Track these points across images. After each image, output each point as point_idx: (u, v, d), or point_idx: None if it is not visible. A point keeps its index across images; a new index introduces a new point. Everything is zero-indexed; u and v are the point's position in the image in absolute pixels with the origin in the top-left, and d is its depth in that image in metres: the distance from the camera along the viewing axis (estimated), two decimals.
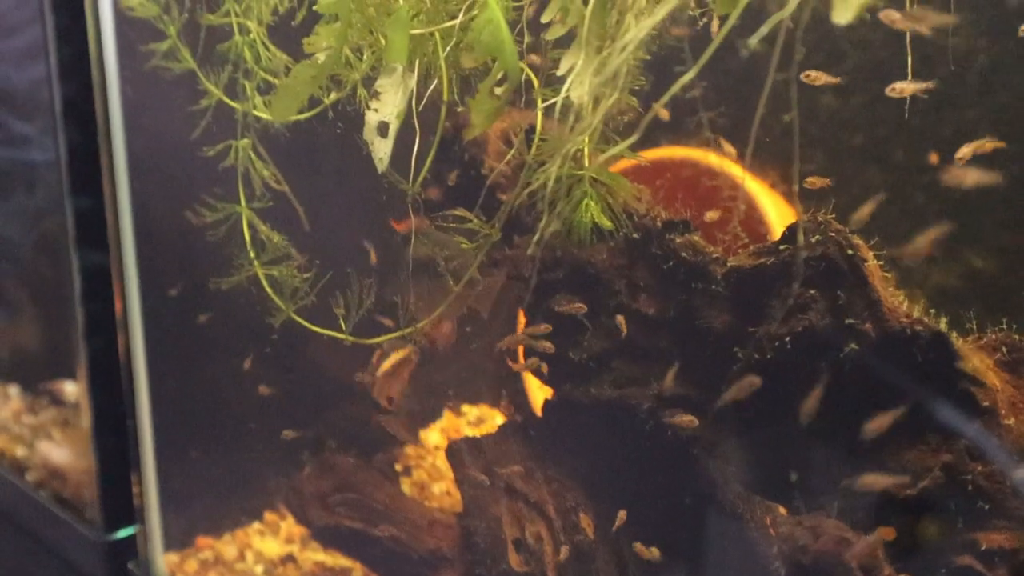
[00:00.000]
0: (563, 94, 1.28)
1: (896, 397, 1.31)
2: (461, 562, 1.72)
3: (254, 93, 1.69)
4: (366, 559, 1.85)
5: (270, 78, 1.69)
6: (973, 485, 1.27)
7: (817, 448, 1.38)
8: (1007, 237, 1.66)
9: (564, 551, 1.60)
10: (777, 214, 1.82)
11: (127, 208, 1.97)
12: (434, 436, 2.25)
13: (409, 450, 2.19)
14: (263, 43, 1.69)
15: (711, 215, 1.50)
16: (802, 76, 1.30)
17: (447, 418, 2.30)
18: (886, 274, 1.37)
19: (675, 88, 1.15)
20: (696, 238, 1.52)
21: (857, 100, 1.75)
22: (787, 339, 1.38)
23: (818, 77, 1.34)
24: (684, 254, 1.51)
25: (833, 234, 1.35)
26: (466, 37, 1.35)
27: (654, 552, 1.57)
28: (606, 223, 1.40)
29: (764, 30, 1.05)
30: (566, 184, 1.35)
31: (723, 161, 1.65)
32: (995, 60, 1.62)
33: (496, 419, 2.15)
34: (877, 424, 1.25)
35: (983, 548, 1.25)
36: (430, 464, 2.17)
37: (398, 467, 2.13)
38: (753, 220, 1.84)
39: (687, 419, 1.43)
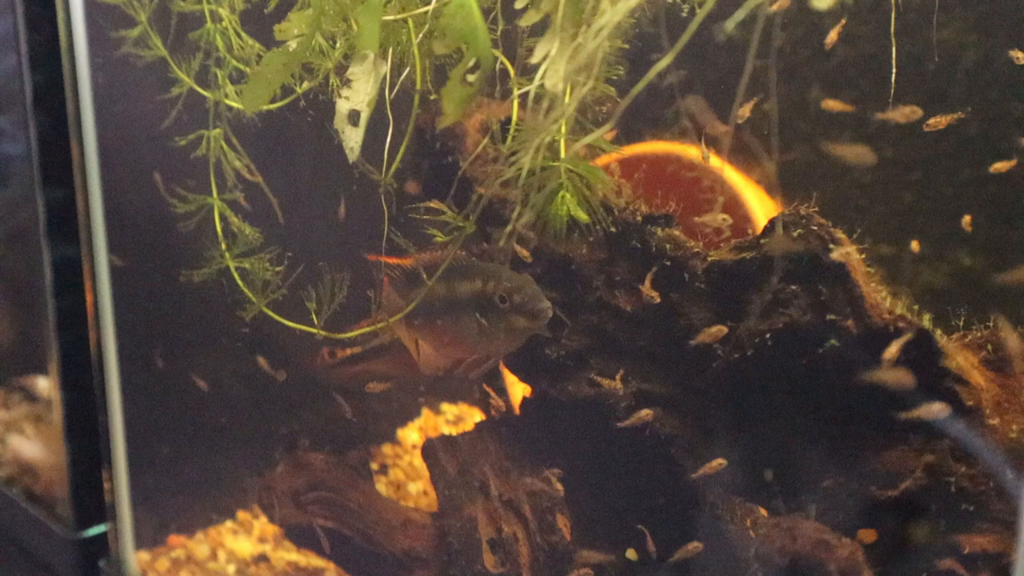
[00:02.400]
0: (537, 82, 1.24)
1: (877, 395, 1.28)
2: (435, 562, 1.69)
3: (226, 81, 1.65)
4: (339, 559, 1.81)
5: (242, 67, 1.65)
6: (956, 487, 1.24)
7: (797, 447, 1.35)
8: (995, 234, 1.63)
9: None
10: (762, 208, 1.79)
11: (98, 200, 1.92)
12: (412, 435, 2.21)
13: (386, 448, 2.15)
14: (235, 31, 1.65)
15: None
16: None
17: (425, 416, 2.26)
18: (869, 269, 1.34)
19: (651, 74, 1.11)
20: (677, 232, 1.49)
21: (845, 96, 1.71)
22: (768, 335, 1.35)
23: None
24: (665, 248, 1.48)
25: (815, 228, 1.32)
26: (438, 23, 1.31)
27: (632, 553, 1.54)
28: (582, 216, 1.37)
29: (740, 14, 1.01)
30: (540, 175, 1.31)
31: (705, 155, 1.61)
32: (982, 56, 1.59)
33: (475, 417, 2.11)
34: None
35: (966, 551, 1.22)
36: (407, 463, 2.13)
37: (374, 465, 2.09)
38: (737, 215, 1.80)
39: (715, 329, 1.38)
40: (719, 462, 1.37)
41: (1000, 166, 1.43)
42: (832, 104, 1.39)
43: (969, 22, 1.55)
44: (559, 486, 1.54)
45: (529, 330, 1.42)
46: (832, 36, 1.41)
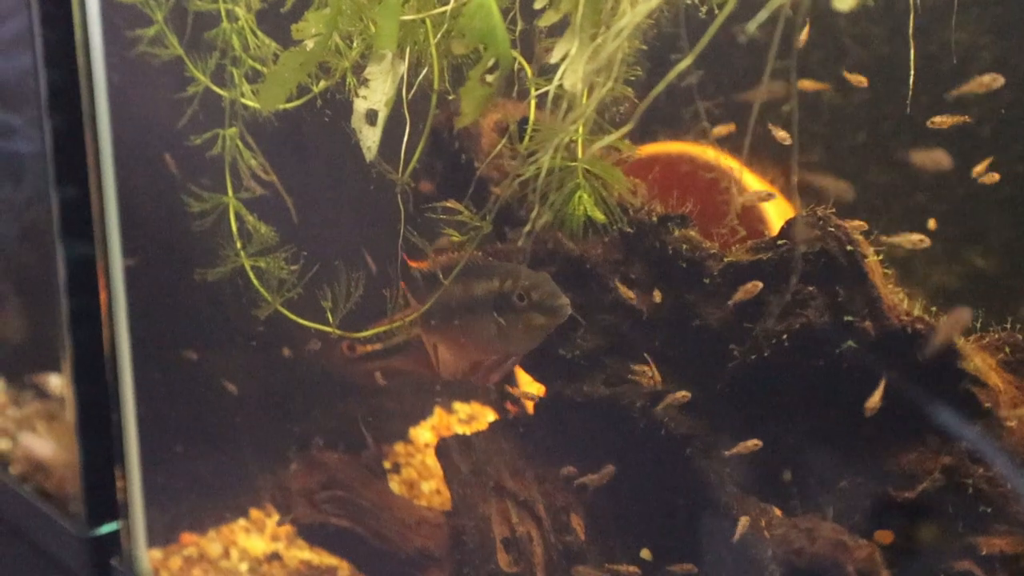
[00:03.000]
0: (556, 82, 1.24)
1: (895, 397, 1.28)
2: (449, 562, 1.69)
3: (242, 81, 1.65)
4: (352, 558, 1.82)
5: (258, 66, 1.65)
6: (974, 488, 1.24)
7: (814, 448, 1.35)
8: (1012, 236, 1.63)
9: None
10: (777, 210, 1.79)
11: (112, 198, 1.93)
12: (425, 434, 2.21)
13: (399, 447, 2.15)
14: (251, 30, 1.65)
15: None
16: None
17: (438, 415, 2.26)
18: (887, 271, 1.33)
19: (671, 75, 1.11)
20: (693, 233, 1.49)
21: (860, 96, 1.71)
22: (784, 336, 1.35)
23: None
24: (680, 249, 1.48)
25: (832, 229, 1.32)
26: (457, 23, 1.31)
27: (647, 554, 1.54)
28: (599, 216, 1.37)
29: (763, 15, 1.01)
30: (558, 175, 1.31)
31: (721, 156, 1.61)
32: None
33: (488, 416, 2.11)
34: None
35: (983, 553, 1.22)
36: (420, 462, 2.13)
37: (387, 464, 2.09)
38: (752, 216, 1.80)
39: (751, 285, 1.36)
40: (755, 443, 1.35)
41: (979, 169, 1.42)
42: (807, 84, 1.39)
43: (985, 23, 1.55)
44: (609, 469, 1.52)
45: (548, 328, 1.41)
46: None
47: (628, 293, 1.45)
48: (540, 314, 1.38)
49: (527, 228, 1.27)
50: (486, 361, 1.53)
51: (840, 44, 1.68)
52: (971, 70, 1.59)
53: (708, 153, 1.62)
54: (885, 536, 1.28)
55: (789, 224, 1.36)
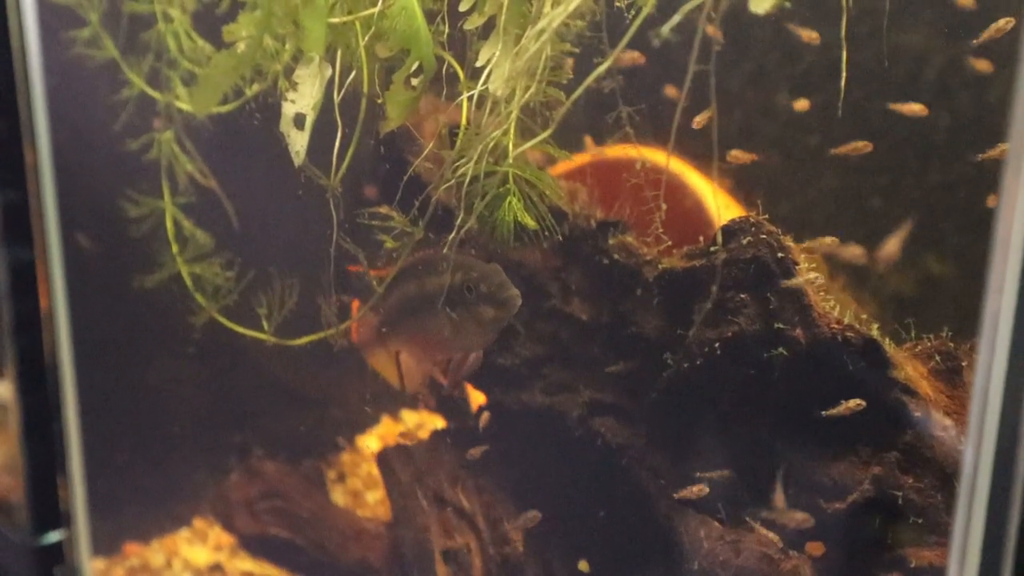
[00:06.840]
0: (480, 86, 1.22)
1: (826, 406, 1.26)
2: (388, 573, 1.67)
3: (177, 83, 1.63)
4: (293, 568, 1.79)
5: (194, 68, 1.63)
6: (904, 499, 1.22)
7: (746, 458, 1.33)
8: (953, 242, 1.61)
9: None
10: (728, 214, 1.76)
11: (52, 202, 1.90)
12: (372, 442, 2.18)
13: (345, 457, 2.12)
14: (187, 32, 1.62)
15: None
16: None
17: (385, 424, 2.22)
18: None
19: (591, 79, 1.10)
20: (630, 239, 1.47)
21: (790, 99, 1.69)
22: (717, 345, 1.32)
23: None
24: (617, 256, 1.46)
25: (765, 236, 1.30)
26: (381, 25, 1.28)
27: (584, 566, 1.52)
28: (529, 222, 1.34)
29: (676, 19, 0.99)
30: (485, 181, 1.29)
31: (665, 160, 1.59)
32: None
33: (437, 425, 2.08)
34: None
35: (913, 565, 1.20)
36: (365, 472, 2.10)
37: (332, 474, 2.06)
38: (701, 221, 1.78)
39: None
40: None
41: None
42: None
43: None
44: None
45: (499, 320, 1.38)
46: None
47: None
48: (490, 307, 1.36)
49: (452, 235, 1.25)
50: (450, 360, 1.50)
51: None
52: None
53: (651, 157, 1.60)
54: (816, 548, 1.26)
55: (722, 230, 1.34)
